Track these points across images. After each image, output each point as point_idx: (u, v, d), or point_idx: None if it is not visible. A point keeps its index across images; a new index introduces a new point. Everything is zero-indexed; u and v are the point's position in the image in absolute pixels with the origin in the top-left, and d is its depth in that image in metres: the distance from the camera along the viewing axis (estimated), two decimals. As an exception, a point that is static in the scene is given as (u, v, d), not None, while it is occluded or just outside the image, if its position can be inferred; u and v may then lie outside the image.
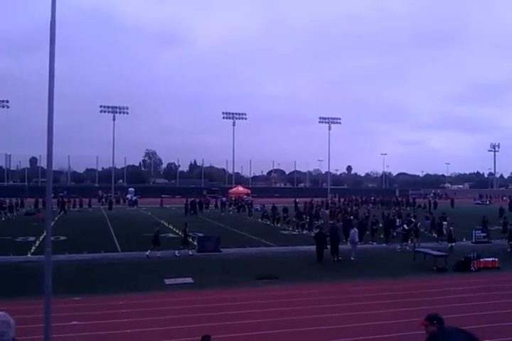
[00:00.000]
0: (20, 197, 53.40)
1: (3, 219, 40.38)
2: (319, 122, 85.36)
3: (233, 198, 62.39)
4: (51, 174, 8.14)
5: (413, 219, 30.98)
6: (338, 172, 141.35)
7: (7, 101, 68.88)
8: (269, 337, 11.26)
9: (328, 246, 21.96)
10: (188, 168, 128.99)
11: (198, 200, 51.74)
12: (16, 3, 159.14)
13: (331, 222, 27.55)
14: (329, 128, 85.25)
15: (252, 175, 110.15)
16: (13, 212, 44.47)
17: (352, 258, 21.87)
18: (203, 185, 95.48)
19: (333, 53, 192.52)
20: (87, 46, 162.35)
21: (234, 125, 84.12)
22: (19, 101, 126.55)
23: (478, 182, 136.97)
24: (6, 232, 30.17)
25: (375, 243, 26.99)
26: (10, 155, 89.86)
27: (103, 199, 59.87)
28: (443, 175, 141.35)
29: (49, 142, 7.47)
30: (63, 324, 11.24)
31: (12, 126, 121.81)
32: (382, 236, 28.06)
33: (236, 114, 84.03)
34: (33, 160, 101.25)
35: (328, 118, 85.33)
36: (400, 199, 65.91)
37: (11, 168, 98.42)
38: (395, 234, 30.15)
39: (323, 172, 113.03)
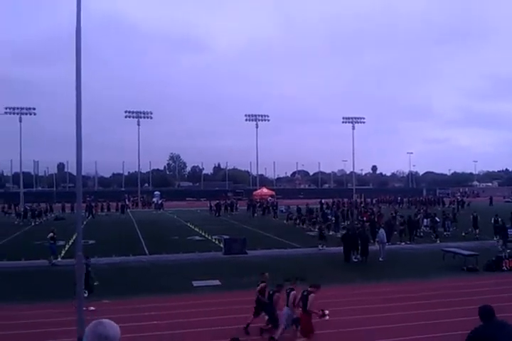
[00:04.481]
0: (49, 203, 54.50)
1: (33, 224, 41.22)
2: (343, 122, 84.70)
3: (257, 200, 62.53)
4: (80, 179, 8.26)
5: (437, 219, 30.61)
6: (363, 173, 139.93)
7: (34, 109, 70.38)
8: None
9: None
10: (212, 171, 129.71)
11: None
12: (41, 13, 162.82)
13: (357, 223, 27.36)
14: (353, 128, 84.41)
15: (276, 176, 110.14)
16: (42, 217, 45.35)
17: (380, 259, 21.59)
18: (228, 187, 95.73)
19: (354, 51, 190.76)
20: (110, 53, 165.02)
21: (257, 127, 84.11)
22: (45, 108, 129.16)
23: (507, 179, 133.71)
24: (37, 237, 30.79)
25: (403, 243, 26.61)
26: (38, 161, 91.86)
27: (127, 203, 60.57)
28: (471, 173, 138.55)
29: (78, 148, 7.59)
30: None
31: (39, 133, 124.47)
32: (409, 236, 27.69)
33: (259, 115, 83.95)
34: (61, 166, 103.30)
35: (351, 118, 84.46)
36: (428, 198, 65.17)
37: (39, 174, 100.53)
38: (421, 233, 29.82)
39: (348, 172, 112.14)
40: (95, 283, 14.58)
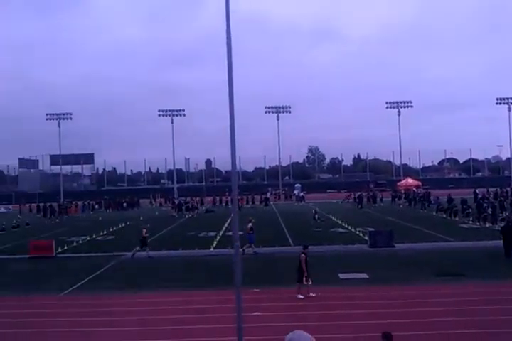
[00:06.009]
0: (200, 197, 58.61)
1: (186, 216, 44.66)
2: (496, 104, 77.10)
3: (402, 191, 60.02)
4: (235, 175, 8.62)
5: None
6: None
7: (183, 110, 76.29)
8: (447, 337, 10.47)
9: None
10: (351, 162, 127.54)
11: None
12: (189, 16, 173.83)
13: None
14: (509, 110, 76.47)
15: (421, 165, 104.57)
16: (194, 210, 48.86)
17: (550, 254, 19.23)
18: (369, 178, 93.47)
19: (506, 25, 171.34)
20: (249, 50, 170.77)
21: (399, 114, 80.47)
22: (193, 108, 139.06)
23: None
24: (190, 228, 33.33)
25: None
26: (189, 158, 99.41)
27: (268, 196, 62.37)
28: None
29: (232, 147, 7.87)
30: (246, 314, 11.83)
31: (189, 133, 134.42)
32: None
33: (400, 102, 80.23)
34: (208, 162, 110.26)
35: (506, 99, 76.56)
36: None
37: (190, 170, 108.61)
38: None
39: (504, 158, 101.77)
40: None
